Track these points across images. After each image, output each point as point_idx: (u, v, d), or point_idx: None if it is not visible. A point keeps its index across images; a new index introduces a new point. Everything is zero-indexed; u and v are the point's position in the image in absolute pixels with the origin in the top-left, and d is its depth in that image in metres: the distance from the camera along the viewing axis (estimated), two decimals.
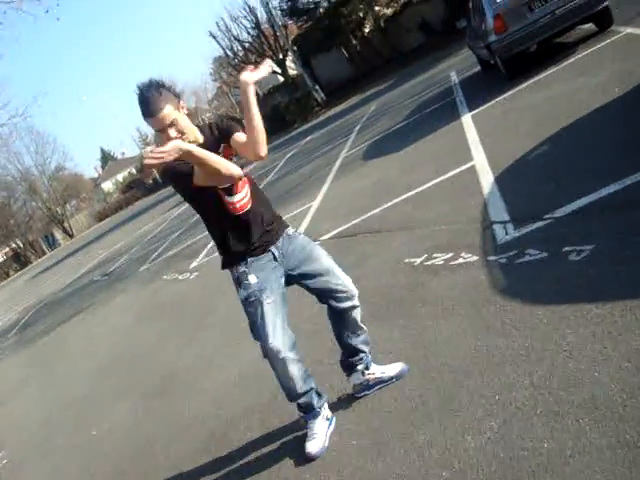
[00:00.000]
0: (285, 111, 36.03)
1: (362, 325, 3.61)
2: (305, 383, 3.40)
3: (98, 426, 5.87)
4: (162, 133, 3.05)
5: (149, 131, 68.39)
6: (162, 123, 3.00)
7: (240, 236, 3.26)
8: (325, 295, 3.47)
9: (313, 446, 3.37)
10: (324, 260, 3.46)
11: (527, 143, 6.38)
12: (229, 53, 42.39)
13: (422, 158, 8.81)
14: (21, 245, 64.80)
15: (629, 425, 2.34)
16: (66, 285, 21.22)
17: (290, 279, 3.41)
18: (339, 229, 7.62)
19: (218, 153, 3.09)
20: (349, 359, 3.64)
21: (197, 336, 6.80)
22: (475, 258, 4.59)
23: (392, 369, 3.65)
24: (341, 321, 3.55)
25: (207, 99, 58.65)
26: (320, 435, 3.41)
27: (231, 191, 3.19)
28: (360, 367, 3.62)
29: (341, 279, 3.49)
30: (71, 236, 64.14)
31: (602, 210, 4.22)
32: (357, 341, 3.59)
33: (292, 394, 3.41)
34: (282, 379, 3.36)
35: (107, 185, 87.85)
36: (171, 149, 2.80)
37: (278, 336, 3.24)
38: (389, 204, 7.37)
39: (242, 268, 3.26)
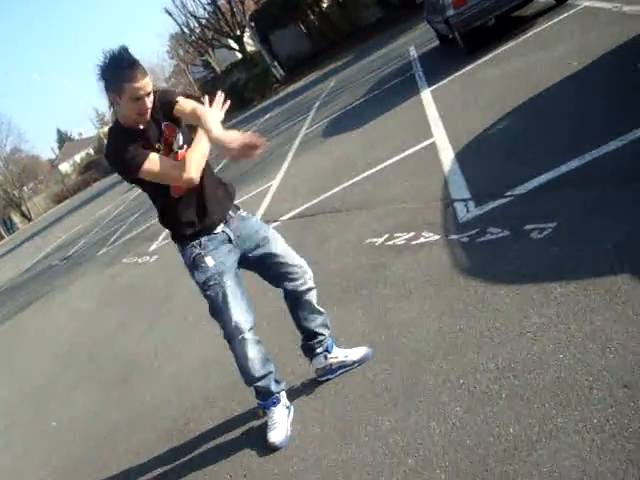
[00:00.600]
0: (244, 88, 35.64)
1: (319, 308, 3.54)
2: (264, 367, 3.33)
3: (58, 416, 5.72)
4: (135, 102, 2.90)
5: (106, 110, 67.07)
6: (145, 89, 2.90)
7: (188, 210, 3.17)
8: (281, 278, 3.39)
9: (276, 435, 3.29)
10: (279, 243, 3.40)
11: (487, 119, 6.34)
12: (185, 30, 41.69)
13: (382, 135, 8.72)
14: None
15: (595, 409, 2.31)
16: (24, 270, 20.75)
17: (244, 262, 3.33)
18: (300, 209, 7.52)
19: (160, 135, 3.07)
20: (308, 342, 3.55)
21: (158, 321, 6.66)
22: (436, 237, 4.54)
23: (355, 353, 3.58)
24: (297, 304, 3.47)
25: (164, 77, 57.61)
26: (282, 424, 3.33)
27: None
28: (320, 350, 3.53)
29: (296, 261, 3.42)
30: (29, 219, 62.85)
31: (562, 187, 4.19)
32: (315, 324, 3.51)
33: (250, 377, 3.33)
34: (241, 361, 3.29)
35: (65, 166, 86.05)
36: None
37: (239, 317, 3.20)
38: (349, 182, 7.29)
39: (197, 250, 3.16)
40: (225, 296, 3.18)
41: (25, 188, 68.32)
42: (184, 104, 3.08)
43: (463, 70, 9.40)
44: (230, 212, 3.29)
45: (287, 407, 3.44)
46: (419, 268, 4.26)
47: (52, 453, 4.99)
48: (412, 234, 4.84)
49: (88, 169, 69.58)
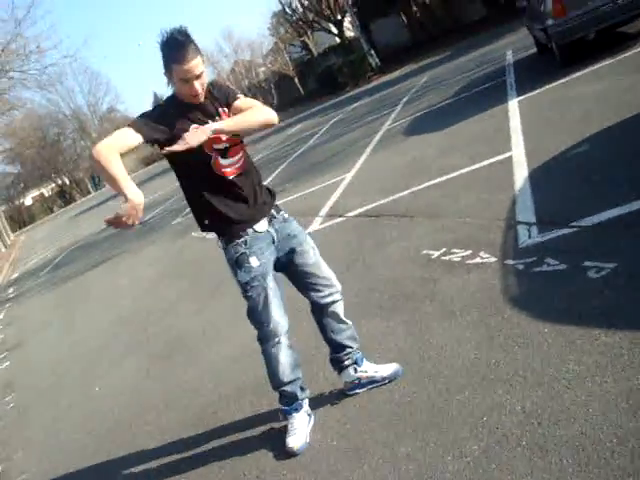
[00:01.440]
0: (338, 73, 35.59)
1: (346, 320, 3.48)
2: (293, 372, 3.33)
3: (102, 382, 5.90)
4: (184, 83, 2.90)
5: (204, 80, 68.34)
6: (192, 72, 2.87)
7: (233, 203, 3.12)
8: (306, 287, 3.36)
9: (295, 441, 3.27)
10: (312, 252, 3.35)
11: (568, 139, 6.10)
12: (288, 10, 41.92)
13: (462, 141, 8.54)
14: (67, 182, 65.93)
15: (613, 475, 2.18)
16: (102, 229, 21.46)
17: (277, 265, 3.28)
18: (366, 207, 7.45)
19: (217, 114, 3.06)
20: (337, 355, 3.51)
21: (211, 302, 6.76)
22: (493, 260, 4.40)
23: (386, 369, 3.50)
24: (322, 316, 3.43)
25: (262, 54, 58.13)
26: (301, 430, 3.31)
27: (226, 153, 3.07)
28: (348, 362, 3.48)
29: (325, 273, 3.37)
30: None
31: (632, 226, 3.97)
32: (342, 336, 3.46)
33: (279, 381, 3.33)
34: (272, 364, 3.30)
35: None
36: (196, 138, 2.84)
37: (278, 320, 3.21)
38: (419, 187, 7.17)
39: (241, 249, 3.12)
40: (267, 297, 3.17)
41: (134, 118, 70.41)
42: (244, 101, 3.12)
43: (555, 83, 9.06)
44: (273, 211, 3.27)
45: (308, 414, 3.43)
46: (469, 290, 4.14)
47: (89, 418, 5.15)
48: (469, 252, 4.71)
49: None
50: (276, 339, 3.23)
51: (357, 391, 3.52)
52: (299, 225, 3.40)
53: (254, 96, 53.70)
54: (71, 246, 21.46)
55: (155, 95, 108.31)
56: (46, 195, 69.10)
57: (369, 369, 3.51)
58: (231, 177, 3.10)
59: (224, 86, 3.20)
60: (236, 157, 3.12)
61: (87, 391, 5.84)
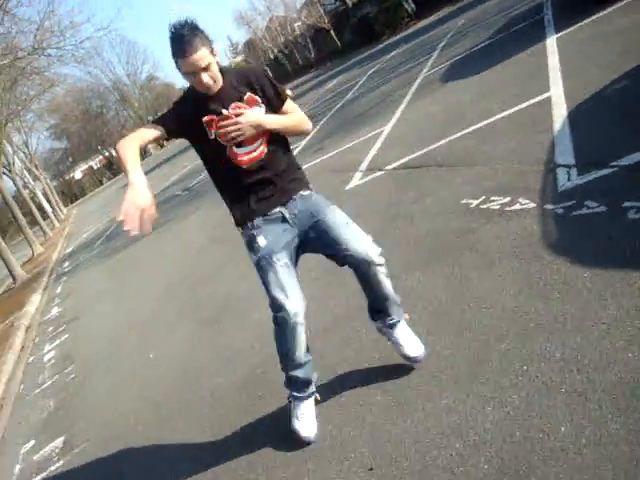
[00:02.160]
0: (373, 22, 34.96)
1: (387, 284, 3.24)
2: (306, 354, 3.23)
3: (156, 349, 6.08)
4: (192, 76, 2.90)
5: (240, 40, 67.98)
6: (196, 65, 2.82)
7: (244, 192, 3.09)
8: (343, 254, 3.11)
9: (309, 429, 3.25)
10: (339, 217, 3.14)
11: (608, 75, 5.90)
12: None
13: (499, 84, 8.34)
14: (114, 154, 66.82)
15: None
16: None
17: (307, 243, 3.18)
18: (405, 159, 7.38)
19: (239, 100, 3.01)
20: (373, 312, 3.40)
21: None
22: (532, 205, 4.34)
23: (412, 349, 3.29)
24: (364, 279, 3.22)
25: (296, 8, 57.37)
26: (311, 415, 3.30)
27: (240, 142, 3.02)
28: (385, 323, 3.35)
29: (357, 236, 3.13)
30: (161, 146, 65.54)
31: None
32: (383, 303, 3.30)
33: (293, 363, 3.20)
34: (288, 345, 3.14)
35: None
36: (247, 124, 2.92)
37: (293, 298, 3.03)
38: (458, 135, 7.06)
39: (250, 231, 3.10)
40: (277, 274, 3.04)
41: (159, 114, 71.03)
42: (290, 106, 3.17)
43: (593, 17, 8.71)
44: (293, 194, 3.15)
45: (317, 400, 3.40)
46: (508, 237, 4.10)
47: (145, 385, 5.34)
48: (508, 199, 4.65)
49: None
50: (293, 318, 3.03)
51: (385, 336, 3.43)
52: (321, 197, 3.25)
53: (291, 52, 53.21)
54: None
55: None
56: (95, 167, 70.37)
57: (398, 338, 3.32)
58: (245, 166, 3.05)
59: (251, 73, 3.13)
60: (255, 144, 3.05)
61: (142, 359, 6.03)
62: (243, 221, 3.13)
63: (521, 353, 2.93)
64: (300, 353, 3.18)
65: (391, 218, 5.69)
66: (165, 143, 65.55)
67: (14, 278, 19.19)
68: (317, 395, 3.39)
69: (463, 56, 12.31)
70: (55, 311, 11.86)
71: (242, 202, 3.13)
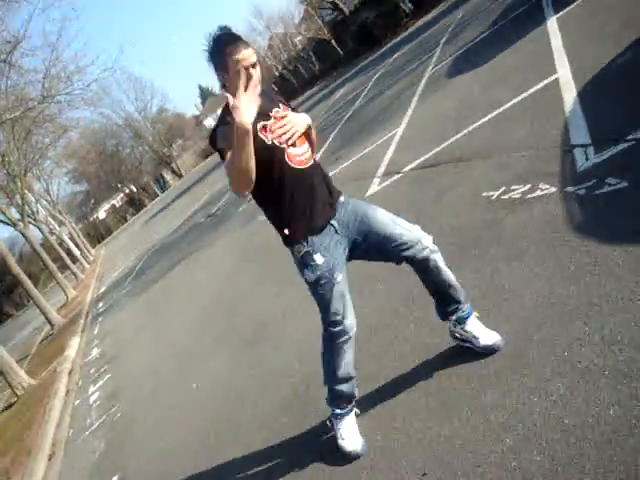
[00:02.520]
0: (372, 26, 35.00)
1: (449, 272, 3.24)
2: (354, 369, 3.26)
3: (198, 377, 6.12)
4: (240, 75, 2.65)
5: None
6: (249, 60, 2.80)
7: (307, 199, 2.99)
8: (398, 249, 3.11)
9: (354, 444, 3.27)
10: (382, 214, 3.16)
11: (613, 49, 5.85)
12: None
13: (506, 72, 8.29)
14: (134, 189, 67.66)
15: None
16: (175, 229, 22.00)
17: (357, 250, 3.15)
18: (421, 159, 7.37)
19: (277, 106, 3.03)
20: (442, 308, 3.33)
21: (287, 284, 6.85)
22: (553, 190, 4.30)
23: (488, 337, 3.22)
24: (425, 271, 3.21)
25: (294, 24, 57.65)
26: (354, 429, 3.32)
27: (295, 143, 2.99)
28: (453, 318, 3.30)
29: (407, 229, 3.15)
30: (180, 176, 66.19)
31: None
32: (446, 290, 3.25)
33: (342, 377, 3.22)
34: (339, 359, 3.17)
35: (209, 122, 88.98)
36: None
37: (351, 313, 3.12)
38: (471, 128, 7.03)
39: (305, 248, 3.01)
40: (339, 293, 3.05)
41: (174, 146, 71.80)
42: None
43: None
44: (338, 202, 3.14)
45: (357, 414, 3.42)
46: (533, 225, 4.07)
47: (191, 416, 5.37)
48: (529, 186, 4.62)
49: None
50: (346, 336, 3.12)
51: (458, 341, 3.36)
52: (355, 200, 3.24)
53: (295, 68, 53.44)
54: (149, 251, 22.11)
55: (200, 88, 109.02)
56: (117, 206, 71.21)
57: (471, 331, 3.27)
58: (304, 167, 3.00)
59: (267, 89, 3.12)
60: (304, 146, 3.05)
61: (185, 390, 6.07)
62: (304, 236, 3.01)
63: (560, 340, 2.91)
64: (349, 368, 3.21)
65: (413, 219, 5.65)
66: (184, 172, 66.17)
67: (51, 324, 19.47)
68: (357, 410, 3.41)
69: (466, 49, 12.27)
70: (95, 352, 11.99)
71: (304, 213, 3.01)
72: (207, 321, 7.98)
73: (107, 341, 12.17)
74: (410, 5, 33.95)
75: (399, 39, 29.06)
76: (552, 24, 8.61)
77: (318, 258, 3.00)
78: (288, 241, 3.09)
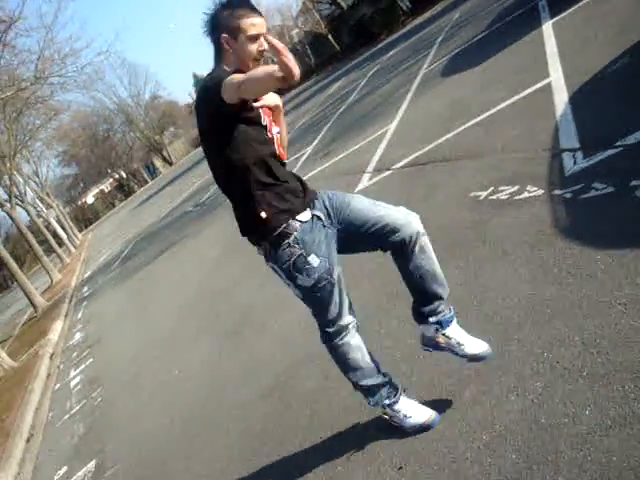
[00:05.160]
0: (370, 23, 34.99)
1: (436, 260, 2.93)
2: (373, 359, 2.99)
3: (180, 365, 6.13)
4: (255, 40, 2.62)
5: None
6: (264, 28, 2.63)
7: (289, 185, 2.76)
8: (384, 235, 2.81)
9: (424, 414, 2.95)
10: (365, 202, 2.90)
11: (607, 55, 5.88)
12: None
13: (499, 74, 8.33)
14: (124, 175, 67.36)
15: None
16: (163, 216, 21.94)
17: (346, 242, 2.86)
18: (412, 157, 7.39)
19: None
20: (420, 306, 2.94)
21: (272, 275, 6.85)
22: (540, 192, 4.34)
23: (473, 346, 2.90)
24: (411, 258, 2.87)
25: (292, 16, 57.49)
26: (416, 405, 3.00)
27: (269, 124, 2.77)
28: (433, 320, 2.91)
29: (394, 209, 2.90)
30: (170, 164, 65.95)
31: None
32: (430, 283, 2.88)
33: (370, 370, 2.95)
34: (354, 356, 2.92)
35: None
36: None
37: (346, 309, 2.88)
38: (461, 128, 7.06)
39: (297, 250, 2.69)
40: (339, 292, 2.81)
41: (165, 133, 71.48)
42: None
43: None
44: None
45: (405, 389, 3.10)
46: (519, 226, 4.10)
47: (172, 402, 5.39)
48: (516, 188, 4.65)
49: None
50: (348, 331, 2.89)
51: (430, 350, 3.03)
52: (335, 192, 2.99)
53: None
54: (136, 238, 22.03)
55: (195, 76, 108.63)
56: (106, 191, 70.90)
57: (454, 337, 2.92)
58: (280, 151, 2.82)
59: None
60: (275, 129, 2.82)
61: (167, 376, 6.08)
62: (283, 222, 2.70)
63: (540, 340, 2.94)
64: (368, 357, 2.95)
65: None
66: (174, 160, 65.91)
67: (35, 307, 19.39)
68: (402, 386, 3.08)
69: (462, 49, 12.30)
70: (78, 336, 11.97)
71: (284, 198, 2.74)
72: (191, 309, 7.98)
73: (90, 326, 12.15)
74: (408, 3, 33.96)
75: (396, 36, 29.08)
76: (547, 29, 8.65)
77: (313, 260, 2.70)
78: (268, 244, 2.77)
